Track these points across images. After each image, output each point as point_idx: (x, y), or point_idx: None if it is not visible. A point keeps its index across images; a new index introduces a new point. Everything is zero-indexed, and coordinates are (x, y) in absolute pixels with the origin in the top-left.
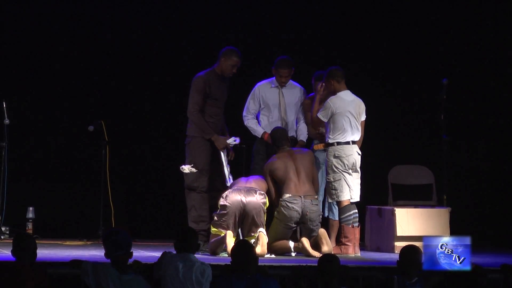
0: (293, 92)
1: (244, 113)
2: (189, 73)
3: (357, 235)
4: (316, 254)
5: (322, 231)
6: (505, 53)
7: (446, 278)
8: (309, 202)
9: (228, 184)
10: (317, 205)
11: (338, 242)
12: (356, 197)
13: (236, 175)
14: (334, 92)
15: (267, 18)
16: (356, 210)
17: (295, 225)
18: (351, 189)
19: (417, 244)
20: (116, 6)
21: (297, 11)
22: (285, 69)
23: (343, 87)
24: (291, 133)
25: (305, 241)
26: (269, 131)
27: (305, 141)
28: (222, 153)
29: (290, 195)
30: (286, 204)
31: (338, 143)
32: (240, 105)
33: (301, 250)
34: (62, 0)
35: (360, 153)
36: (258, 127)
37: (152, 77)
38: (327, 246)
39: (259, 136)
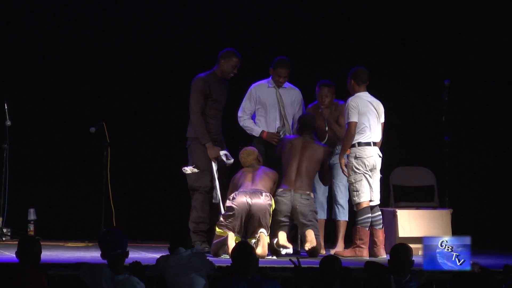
0: (290, 93)
1: (240, 114)
2: (191, 75)
3: (381, 238)
4: (289, 245)
5: (308, 230)
6: (507, 54)
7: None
8: (298, 195)
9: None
10: (307, 199)
11: (353, 244)
12: (377, 199)
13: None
14: (353, 92)
15: (266, 18)
16: (379, 213)
17: (288, 221)
18: (372, 190)
19: (419, 246)
20: (118, 8)
21: (296, 12)
22: (284, 69)
23: (363, 90)
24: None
25: (280, 235)
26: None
27: None
28: (213, 163)
29: (282, 189)
30: (276, 198)
31: (359, 144)
32: (236, 106)
33: (276, 244)
34: (64, 2)
35: (381, 155)
36: (256, 126)
37: (154, 78)
38: (310, 243)
39: (257, 135)
